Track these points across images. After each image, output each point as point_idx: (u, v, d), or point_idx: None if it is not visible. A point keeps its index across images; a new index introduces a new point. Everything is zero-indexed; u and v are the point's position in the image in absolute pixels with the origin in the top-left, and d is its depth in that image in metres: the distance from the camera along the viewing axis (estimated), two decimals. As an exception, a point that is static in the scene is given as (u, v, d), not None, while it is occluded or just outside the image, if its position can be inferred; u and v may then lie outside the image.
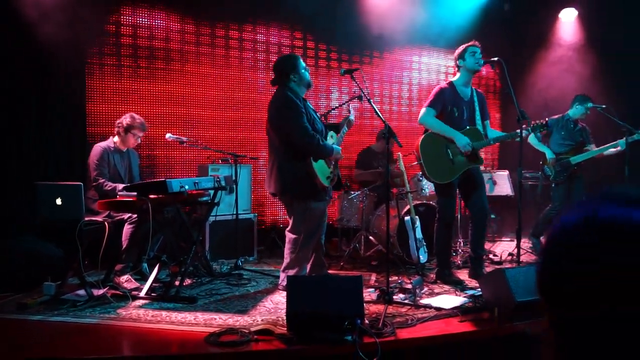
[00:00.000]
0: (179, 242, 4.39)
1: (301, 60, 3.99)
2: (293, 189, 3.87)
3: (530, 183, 6.14)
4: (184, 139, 4.78)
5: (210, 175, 4.49)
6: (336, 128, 4.25)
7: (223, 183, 4.23)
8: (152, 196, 3.70)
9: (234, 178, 4.84)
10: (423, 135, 4.24)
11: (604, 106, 5.36)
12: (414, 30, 6.64)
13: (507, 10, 7.52)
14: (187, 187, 3.77)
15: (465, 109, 4.24)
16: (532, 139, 5.52)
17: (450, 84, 4.30)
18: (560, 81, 6.87)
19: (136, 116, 4.47)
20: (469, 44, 4.25)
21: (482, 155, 4.38)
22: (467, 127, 4.21)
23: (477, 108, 4.29)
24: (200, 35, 5.90)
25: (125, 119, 4.42)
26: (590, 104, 5.42)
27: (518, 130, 4.03)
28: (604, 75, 6.53)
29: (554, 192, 5.54)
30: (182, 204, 4.49)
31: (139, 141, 4.58)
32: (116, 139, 4.48)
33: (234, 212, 5.04)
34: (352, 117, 4.24)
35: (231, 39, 6.07)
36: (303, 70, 3.96)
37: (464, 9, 6.86)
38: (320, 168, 3.89)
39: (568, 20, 7.22)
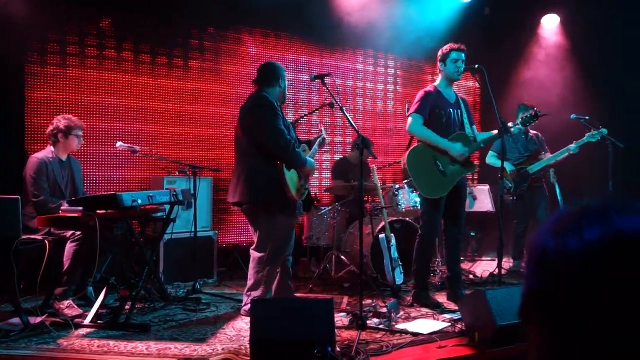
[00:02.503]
0: (130, 263, 4.31)
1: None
2: (261, 198, 3.89)
3: (511, 198, 6.29)
4: (137, 148, 4.73)
5: (166, 189, 4.43)
6: (308, 143, 4.33)
7: (180, 197, 4.19)
8: (100, 211, 3.63)
9: (192, 192, 4.79)
10: (408, 151, 4.30)
11: (587, 117, 5.58)
12: (387, 37, 6.76)
13: (487, 15, 7.76)
14: (140, 201, 3.73)
15: (452, 112, 4.34)
16: (490, 159, 5.92)
17: (435, 87, 4.41)
18: (541, 87, 7.10)
19: (69, 116, 4.45)
20: (454, 47, 4.32)
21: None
22: (455, 133, 4.30)
23: (464, 112, 4.40)
24: (156, 45, 5.80)
25: (60, 123, 4.34)
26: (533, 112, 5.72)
27: (510, 124, 4.15)
28: (585, 82, 6.80)
29: (517, 206, 5.81)
30: (135, 220, 4.41)
31: (82, 142, 4.51)
32: (53, 148, 4.38)
33: (192, 230, 4.98)
34: (324, 136, 4.45)
35: (192, 48, 6.02)
36: (286, 84, 4.17)
37: (442, 13, 7.04)
38: (292, 178, 3.93)
39: (550, 27, 7.49)
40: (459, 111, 4.39)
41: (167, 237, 4.96)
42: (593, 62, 6.77)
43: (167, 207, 4.30)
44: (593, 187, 6.28)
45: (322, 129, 4.63)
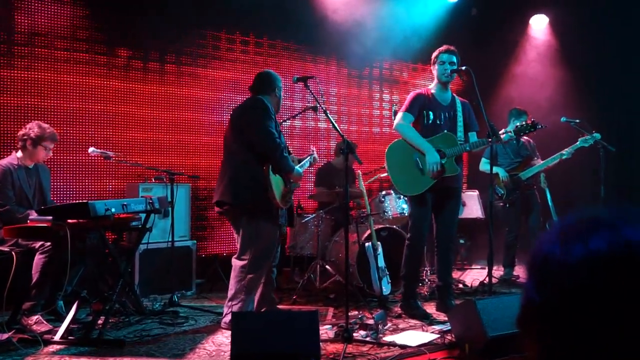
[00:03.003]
0: (103, 275, 4.26)
1: None
2: (246, 199, 3.90)
3: (501, 204, 6.38)
4: (110, 153, 4.68)
5: (142, 197, 4.39)
6: (298, 161, 4.41)
7: (156, 205, 4.16)
8: (71, 221, 3.58)
9: (169, 199, 4.76)
10: (389, 144, 4.36)
11: (577, 120, 5.65)
12: (373, 38, 6.79)
13: (474, 15, 7.85)
14: (113, 210, 3.68)
15: (443, 114, 4.40)
16: (483, 166, 5.95)
17: (427, 90, 4.51)
18: (529, 89, 7.19)
19: (44, 125, 4.36)
20: (442, 49, 4.42)
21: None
22: (444, 132, 4.35)
23: (459, 116, 4.45)
24: (133, 47, 5.74)
25: (33, 130, 4.28)
26: (525, 117, 5.84)
27: (502, 131, 4.18)
28: (576, 83, 6.91)
29: (509, 213, 5.85)
30: (108, 229, 4.36)
31: (50, 154, 4.45)
32: (20, 154, 4.32)
33: (170, 239, 4.94)
34: (315, 156, 4.58)
35: (167, 53, 5.96)
36: (281, 94, 4.28)
37: (429, 14, 7.10)
38: (277, 183, 3.95)
39: (539, 27, 7.61)
40: (451, 114, 4.44)
41: (142, 247, 4.92)
42: (583, 63, 6.88)
43: (143, 215, 4.26)
44: (585, 192, 6.36)
45: (313, 148, 4.69)
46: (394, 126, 4.42)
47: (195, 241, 5.55)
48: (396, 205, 5.49)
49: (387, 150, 4.38)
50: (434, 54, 4.45)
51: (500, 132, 4.40)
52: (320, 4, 6.47)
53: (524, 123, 4.45)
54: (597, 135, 5.46)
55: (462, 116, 4.46)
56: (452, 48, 4.42)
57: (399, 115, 4.39)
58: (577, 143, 5.55)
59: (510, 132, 4.52)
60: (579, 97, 6.71)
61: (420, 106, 4.36)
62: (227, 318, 3.89)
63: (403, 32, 6.88)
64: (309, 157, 4.55)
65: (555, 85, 7.15)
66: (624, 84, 6.57)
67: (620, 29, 6.51)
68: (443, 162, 4.28)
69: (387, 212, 5.48)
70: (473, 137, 4.53)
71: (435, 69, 4.45)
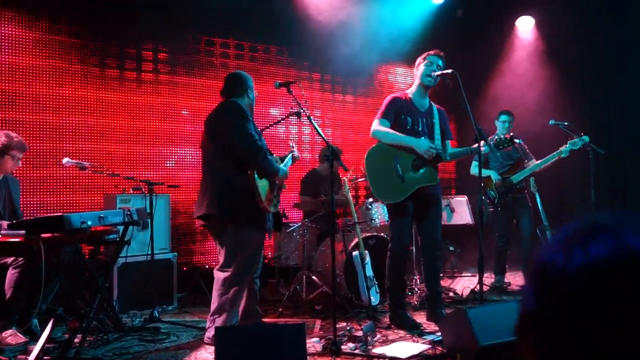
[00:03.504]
0: (80, 291, 4.21)
1: None
2: (231, 209, 3.86)
3: (491, 209, 6.43)
4: (86, 164, 4.64)
5: (119, 208, 4.36)
6: (280, 160, 4.37)
7: (135, 217, 4.13)
8: (45, 235, 3.54)
9: (148, 211, 4.72)
10: (368, 150, 4.37)
11: (566, 123, 5.72)
12: (360, 43, 6.83)
13: (460, 17, 7.93)
14: (90, 222, 3.65)
15: (421, 121, 4.41)
16: (474, 169, 5.93)
17: (405, 94, 4.51)
18: (517, 93, 7.27)
19: (12, 134, 4.33)
20: (430, 52, 4.44)
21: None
22: (422, 139, 4.35)
23: (436, 123, 4.46)
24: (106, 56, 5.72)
25: (0, 139, 4.24)
26: (512, 119, 5.93)
27: (476, 145, 4.20)
28: (563, 85, 7.00)
29: (499, 217, 5.90)
30: (84, 243, 4.31)
31: (19, 164, 4.41)
32: None
33: (149, 252, 4.89)
34: (296, 153, 4.55)
35: (144, 60, 5.94)
36: (254, 95, 4.21)
37: (413, 16, 7.16)
38: (263, 187, 3.93)
39: (525, 29, 7.72)
40: (429, 121, 4.45)
41: (120, 260, 4.87)
42: (571, 64, 6.97)
43: (121, 228, 4.23)
44: (575, 196, 6.42)
45: (293, 145, 4.65)
46: (370, 133, 4.40)
47: (176, 253, 5.52)
48: (383, 212, 5.50)
49: (365, 156, 4.37)
50: (422, 56, 4.45)
51: (490, 138, 4.42)
52: (302, 6, 6.48)
53: (501, 137, 4.46)
54: (586, 138, 5.53)
55: (439, 124, 4.49)
56: (441, 53, 4.44)
57: (375, 122, 4.37)
58: (567, 146, 5.60)
59: (490, 144, 4.50)
60: (568, 99, 6.79)
61: (396, 110, 4.36)
62: (211, 333, 3.85)
63: (388, 35, 6.93)
64: (290, 155, 4.51)
65: (543, 86, 7.24)
66: (615, 86, 6.67)
67: (609, 30, 6.61)
68: (422, 171, 4.29)
69: (374, 220, 5.49)
70: (448, 145, 4.56)
71: (419, 70, 4.43)
